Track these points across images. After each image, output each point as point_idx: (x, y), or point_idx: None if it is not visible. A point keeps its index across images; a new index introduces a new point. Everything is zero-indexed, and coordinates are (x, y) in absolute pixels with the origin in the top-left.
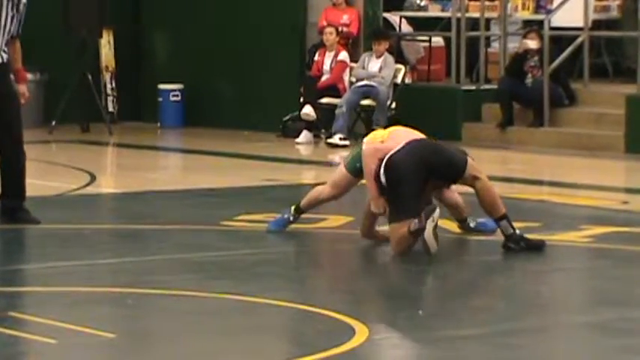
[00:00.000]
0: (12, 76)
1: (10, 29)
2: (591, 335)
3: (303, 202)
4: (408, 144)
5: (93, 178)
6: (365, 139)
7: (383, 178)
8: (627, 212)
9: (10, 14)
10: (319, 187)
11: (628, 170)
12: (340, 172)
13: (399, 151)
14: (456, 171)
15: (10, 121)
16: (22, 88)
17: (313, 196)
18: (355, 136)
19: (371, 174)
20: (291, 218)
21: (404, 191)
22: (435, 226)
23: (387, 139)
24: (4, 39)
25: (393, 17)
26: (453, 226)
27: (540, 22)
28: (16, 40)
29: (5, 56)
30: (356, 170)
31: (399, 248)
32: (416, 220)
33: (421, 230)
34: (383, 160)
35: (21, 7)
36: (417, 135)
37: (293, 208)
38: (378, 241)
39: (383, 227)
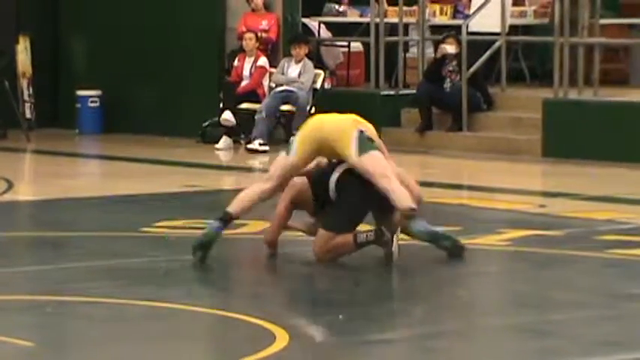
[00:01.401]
0: None
1: None
2: (510, 337)
3: (234, 208)
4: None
5: (10, 185)
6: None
7: (332, 186)
8: (544, 215)
9: None
10: (249, 191)
11: (545, 174)
12: (280, 161)
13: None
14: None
15: None
16: None
17: (247, 198)
18: (275, 141)
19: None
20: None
21: (356, 204)
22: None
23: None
24: None
25: (312, 22)
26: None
27: (458, 27)
28: None
29: None
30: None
31: (328, 255)
32: (364, 234)
33: (366, 244)
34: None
35: None
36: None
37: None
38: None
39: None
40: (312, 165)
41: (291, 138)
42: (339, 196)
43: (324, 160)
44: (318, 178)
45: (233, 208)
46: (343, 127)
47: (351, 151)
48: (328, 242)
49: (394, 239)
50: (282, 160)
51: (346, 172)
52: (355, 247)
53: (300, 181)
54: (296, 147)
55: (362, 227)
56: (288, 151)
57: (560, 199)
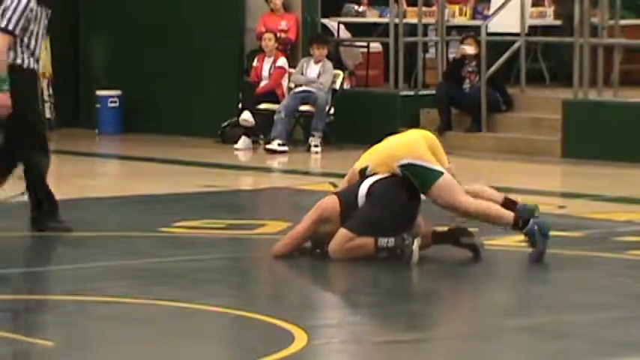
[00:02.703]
0: None
1: (44, 36)
2: (528, 339)
3: None
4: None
5: None
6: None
7: (363, 194)
8: (563, 217)
9: (45, 23)
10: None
11: (564, 175)
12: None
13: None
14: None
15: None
16: None
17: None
18: (294, 141)
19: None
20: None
21: (382, 212)
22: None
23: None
24: (40, 47)
25: (331, 23)
26: None
27: (477, 28)
28: None
29: (38, 64)
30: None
31: (344, 255)
32: (386, 240)
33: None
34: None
35: (49, 14)
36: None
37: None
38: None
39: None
40: (344, 184)
41: None
42: (367, 202)
43: (356, 177)
44: (348, 198)
45: None
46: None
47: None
48: (347, 242)
49: (415, 243)
50: None
51: (376, 182)
52: (374, 251)
53: (328, 202)
54: None
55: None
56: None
57: (579, 200)
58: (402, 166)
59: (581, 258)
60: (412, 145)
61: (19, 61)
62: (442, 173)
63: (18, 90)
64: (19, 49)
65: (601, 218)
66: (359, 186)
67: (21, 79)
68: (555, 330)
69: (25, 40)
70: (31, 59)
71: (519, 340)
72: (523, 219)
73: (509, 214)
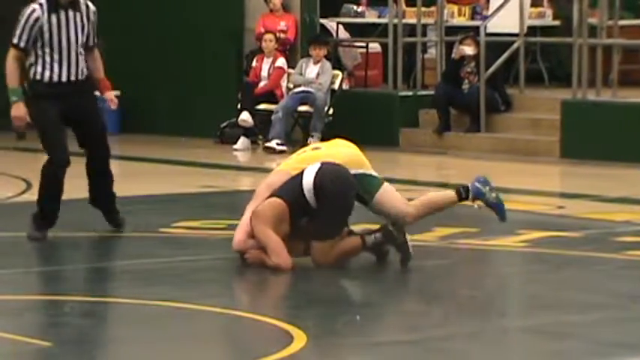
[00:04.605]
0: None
1: (82, 41)
2: (527, 339)
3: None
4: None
5: (29, 185)
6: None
7: (311, 196)
8: (562, 217)
9: (79, 26)
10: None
11: (563, 175)
12: None
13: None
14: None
15: (98, 138)
16: (109, 95)
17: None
18: (293, 142)
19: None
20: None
21: (342, 205)
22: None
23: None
24: (77, 53)
25: (330, 23)
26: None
27: (476, 29)
28: (93, 50)
29: (84, 72)
30: None
31: (333, 263)
32: (372, 236)
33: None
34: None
35: (91, 16)
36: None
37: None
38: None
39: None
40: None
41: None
42: (320, 201)
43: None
44: (292, 190)
45: None
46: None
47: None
48: (330, 252)
49: (407, 239)
50: None
51: (318, 175)
52: (363, 250)
53: (267, 193)
54: None
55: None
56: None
57: (578, 201)
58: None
59: (579, 258)
60: (353, 154)
61: (37, 76)
62: (383, 181)
63: (33, 104)
64: (38, 62)
65: (600, 218)
66: (300, 182)
67: (36, 91)
68: (554, 330)
69: (39, 51)
70: (49, 72)
71: (518, 341)
72: (463, 187)
73: (450, 192)
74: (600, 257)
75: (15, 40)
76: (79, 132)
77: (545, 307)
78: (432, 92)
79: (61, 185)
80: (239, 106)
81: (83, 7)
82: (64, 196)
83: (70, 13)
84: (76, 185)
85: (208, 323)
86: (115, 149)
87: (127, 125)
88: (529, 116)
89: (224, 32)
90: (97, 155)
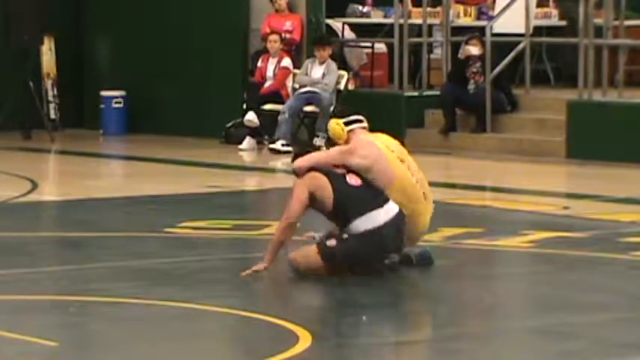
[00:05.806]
0: None
1: None
2: (533, 340)
3: None
4: None
5: (35, 185)
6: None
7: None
8: (568, 217)
9: None
10: None
11: (569, 175)
12: None
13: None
14: None
15: None
16: None
17: None
18: (298, 142)
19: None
20: None
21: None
22: None
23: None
24: None
25: (336, 24)
26: None
27: (482, 29)
28: None
29: None
30: None
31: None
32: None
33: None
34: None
35: None
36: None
37: None
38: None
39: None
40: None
41: None
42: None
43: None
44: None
45: None
46: None
47: None
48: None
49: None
50: None
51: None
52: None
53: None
54: None
55: None
56: None
57: (584, 201)
58: None
59: (585, 259)
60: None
61: None
62: None
63: None
64: None
65: (605, 219)
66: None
67: None
68: (561, 331)
69: None
70: None
71: (525, 341)
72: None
73: None
74: (606, 257)
75: None
76: None
77: (552, 308)
78: (437, 92)
79: None
80: (244, 106)
81: None
82: (68, 197)
83: None
84: (82, 186)
85: (214, 323)
86: (121, 149)
87: (133, 125)
88: (535, 116)
89: (229, 32)
90: None
